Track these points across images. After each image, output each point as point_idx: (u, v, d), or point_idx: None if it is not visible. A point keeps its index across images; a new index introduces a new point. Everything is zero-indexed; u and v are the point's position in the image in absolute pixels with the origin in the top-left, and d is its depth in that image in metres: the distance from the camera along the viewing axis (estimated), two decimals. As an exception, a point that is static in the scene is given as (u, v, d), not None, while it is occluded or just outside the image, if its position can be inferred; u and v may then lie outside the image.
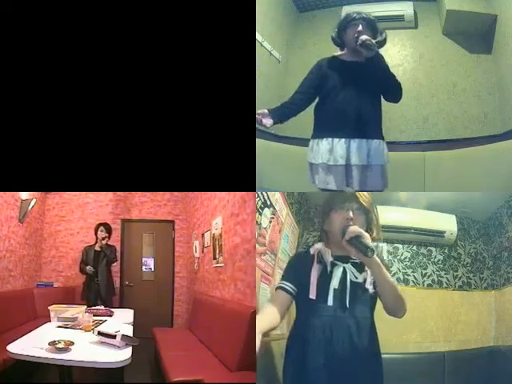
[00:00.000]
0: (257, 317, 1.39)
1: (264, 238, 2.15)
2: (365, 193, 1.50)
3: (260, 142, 2.41)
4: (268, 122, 1.89)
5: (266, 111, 1.88)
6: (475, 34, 3.60)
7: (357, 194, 1.47)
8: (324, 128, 1.96)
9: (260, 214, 2.09)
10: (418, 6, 3.90)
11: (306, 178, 2.09)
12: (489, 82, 3.52)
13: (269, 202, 2.18)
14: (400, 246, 3.22)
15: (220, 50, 2.03)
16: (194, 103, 2.05)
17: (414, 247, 3.23)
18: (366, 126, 1.89)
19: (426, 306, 2.99)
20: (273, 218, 2.24)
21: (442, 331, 2.97)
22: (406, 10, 3.85)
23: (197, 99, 2.05)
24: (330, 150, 1.91)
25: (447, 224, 3.16)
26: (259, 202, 2.08)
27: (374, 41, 1.81)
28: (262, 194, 2.10)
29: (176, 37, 2.03)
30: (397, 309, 1.41)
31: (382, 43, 1.94)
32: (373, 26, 1.90)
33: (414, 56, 3.89)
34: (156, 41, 2.02)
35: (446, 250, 3.25)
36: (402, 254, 3.20)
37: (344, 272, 1.44)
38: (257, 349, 1.20)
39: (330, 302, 1.40)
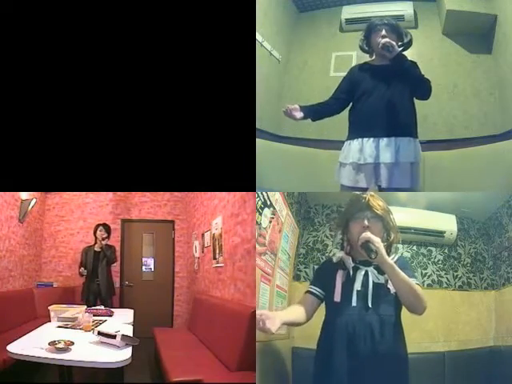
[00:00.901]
0: (283, 310, 1.48)
1: (264, 238, 2.14)
2: (379, 201, 1.59)
3: (260, 142, 2.41)
4: (298, 114, 1.98)
5: (297, 106, 1.99)
6: (475, 34, 3.60)
7: (370, 203, 1.57)
8: (356, 130, 2.05)
9: (260, 214, 2.09)
10: (418, 6, 3.89)
11: (306, 178, 2.11)
12: (489, 82, 3.52)
13: (269, 202, 2.18)
14: (400, 246, 3.22)
15: (220, 50, 2.03)
16: (194, 103, 2.05)
17: (414, 247, 3.23)
18: (395, 124, 1.95)
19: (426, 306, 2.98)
20: (273, 217, 2.24)
21: (442, 331, 2.97)
22: (406, 10, 3.85)
23: (197, 99, 2.05)
24: (360, 149, 1.99)
25: (447, 224, 3.16)
26: (259, 202, 2.08)
27: (393, 42, 1.89)
28: (261, 194, 2.10)
29: (176, 37, 2.03)
30: (415, 306, 1.47)
31: (408, 44, 2.05)
32: (396, 29, 2.00)
33: (413, 56, 3.87)
34: (156, 41, 2.02)
35: (445, 250, 3.25)
36: (402, 254, 3.20)
37: (366, 274, 1.56)
38: (274, 330, 1.30)
39: (354, 302, 1.51)
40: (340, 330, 1.49)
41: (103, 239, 4.01)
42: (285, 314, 1.54)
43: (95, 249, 4.04)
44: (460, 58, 3.69)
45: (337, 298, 1.55)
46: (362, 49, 2.12)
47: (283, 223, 2.45)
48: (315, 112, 2.09)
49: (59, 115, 2.01)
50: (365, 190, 1.98)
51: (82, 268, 3.99)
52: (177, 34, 2.03)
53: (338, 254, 1.66)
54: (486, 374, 2.73)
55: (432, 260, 3.22)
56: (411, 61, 2.02)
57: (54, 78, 2.00)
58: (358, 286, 1.54)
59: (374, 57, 2.08)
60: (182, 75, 2.04)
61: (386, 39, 1.89)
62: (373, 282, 1.54)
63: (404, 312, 1.56)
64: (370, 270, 1.56)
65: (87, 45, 2.00)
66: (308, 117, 2.04)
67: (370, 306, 1.50)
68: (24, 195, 4.26)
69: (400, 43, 2.01)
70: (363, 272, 1.56)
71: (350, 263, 1.59)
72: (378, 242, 1.45)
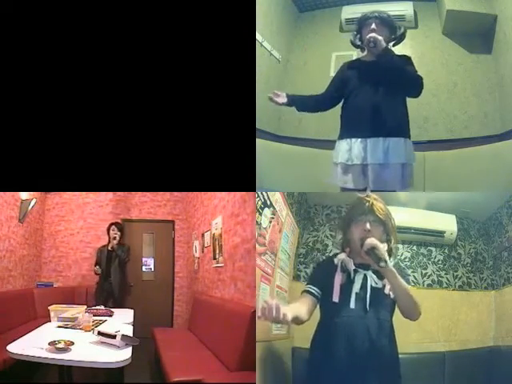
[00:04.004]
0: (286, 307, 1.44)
1: (264, 238, 2.14)
2: (380, 205, 1.58)
3: (260, 142, 2.41)
4: (281, 99, 1.96)
5: (284, 93, 1.97)
6: (475, 34, 3.60)
7: (373, 207, 1.56)
8: (346, 129, 2.00)
9: (260, 214, 2.09)
10: (418, 6, 3.89)
11: (306, 178, 2.11)
12: (489, 82, 3.52)
13: (269, 202, 2.18)
14: (400, 246, 3.21)
15: (220, 50, 2.03)
16: (194, 103, 2.05)
17: (414, 247, 3.23)
18: (383, 124, 1.88)
19: (426, 306, 2.95)
20: (273, 217, 2.24)
21: (442, 331, 2.97)
22: (406, 9, 3.85)
23: (197, 99, 2.05)
24: (349, 149, 1.94)
25: (447, 224, 3.16)
26: (259, 202, 2.08)
27: (379, 37, 1.81)
28: (261, 194, 2.10)
29: (176, 37, 2.03)
30: (411, 313, 1.52)
31: (400, 38, 1.98)
32: (388, 22, 1.92)
33: (414, 56, 3.88)
34: (156, 41, 2.02)
35: (445, 250, 3.25)
36: (402, 254, 3.20)
37: (365, 278, 1.56)
38: (290, 317, 1.25)
39: (353, 304, 1.52)
40: (339, 331, 1.49)
41: (114, 238, 4.00)
42: (292, 308, 1.48)
43: (108, 248, 4.03)
44: (460, 58, 3.69)
45: (335, 298, 1.54)
46: (353, 44, 2.06)
47: (283, 223, 2.45)
48: (303, 102, 2.05)
49: (59, 115, 2.01)
50: (360, 190, 1.93)
51: (97, 266, 4.00)
52: (177, 34, 2.03)
53: (340, 256, 1.64)
54: (486, 374, 2.73)
55: (432, 260, 3.22)
56: (404, 56, 1.95)
57: (54, 78, 2.00)
58: (356, 288, 1.54)
59: (365, 52, 2.01)
60: (182, 75, 2.04)
61: (372, 34, 1.82)
62: (371, 285, 1.55)
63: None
64: (369, 274, 1.57)
65: (87, 45, 2.00)
66: (293, 105, 2.00)
67: (368, 309, 1.50)
68: (24, 195, 4.25)
69: (392, 37, 1.94)
70: (362, 275, 1.56)
71: (352, 266, 1.58)
72: (383, 249, 1.46)
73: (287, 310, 1.29)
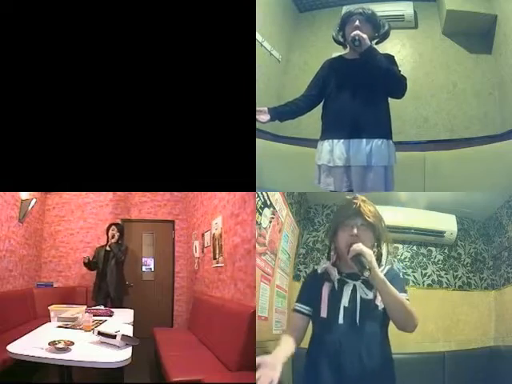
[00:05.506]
0: (277, 348, 1.38)
1: (264, 238, 2.15)
2: (370, 207, 1.43)
3: (260, 142, 2.42)
4: (264, 117, 1.88)
5: (266, 108, 1.89)
6: (475, 34, 3.61)
7: (361, 209, 1.41)
8: (328, 129, 1.95)
9: (260, 214, 2.09)
10: (418, 6, 3.90)
11: (306, 178, 2.10)
12: (489, 82, 3.52)
13: (269, 202, 2.19)
14: (400, 246, 3.22)
15: (220, 50, 2.03)
16: (194, 103, 2.05)
17: (414, 247, 3.23)
18: (366, 124, 1.83)
19: (426, 306, 2.98)
20: (273, 217, 2.24)
21: (442, 331, 2.97)
22: (406, 10, 3.85)
23: (197, 99, 2.05)
24: (330, 151, 1.89)
25: (447, 224, 3.16)
26: (259, 202, 2.08)
27: (364, 35, 1.75)
28: (261, 194, 2.10)
29: (176, 37, 2.03)
30: (406, 324, 1.34)
31: (385, 35, 1.90)
32: (372, 19, 1.86)
33: (413, 56, 3.89)
34: (156, 41, 2.02)
35: (445, 250, 3.25)
36: (401, 254, 3.20)
37: (354, 290, 1.41)
38: (276, 378, 1.19)
39: (341, 320, 1.38)
40: (327, 349, 1.38)
41: (113, 237, 3.99)
42: (283, 351, 1.37)
43: (106, 248, 4.03)
44: (460, 58, 3.69)
45: (323, 313, 1.41)
46: (335, 40, 1.98)
47: (283, 223, 2.45)
48: (282, 113, 1.96)
49: (59, 115, 2.01)
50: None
51: (87, 256, 4.01)
52: (177, 34, 2.03)
53: (323, 265, 1.50)
54: (486, 373, 2.73)
55: (432, 260, 3.22)
56: (388, 54, 1.88)
57: (54, 78, 2.00)
58: (345, 301, 1.40)
59: (347, 49, 1.95)
60: (183, 75, 2.04)
61: (356, 31, 1.75)
62: (360, 297, 1.39)
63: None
64: (358, 284, 1.41)
65: (87, 45, 2.00)
66: (275, 118, 1.93)
67: (357, 323, 1.37)
68: (24, 195, 4.25)
69: (376, 34, 1.87)
70: (351, 287, 1.41)
71: (336, 275, 1.44)
72: (370, 255, 1.30)
73: (277, 361, 1.23)
